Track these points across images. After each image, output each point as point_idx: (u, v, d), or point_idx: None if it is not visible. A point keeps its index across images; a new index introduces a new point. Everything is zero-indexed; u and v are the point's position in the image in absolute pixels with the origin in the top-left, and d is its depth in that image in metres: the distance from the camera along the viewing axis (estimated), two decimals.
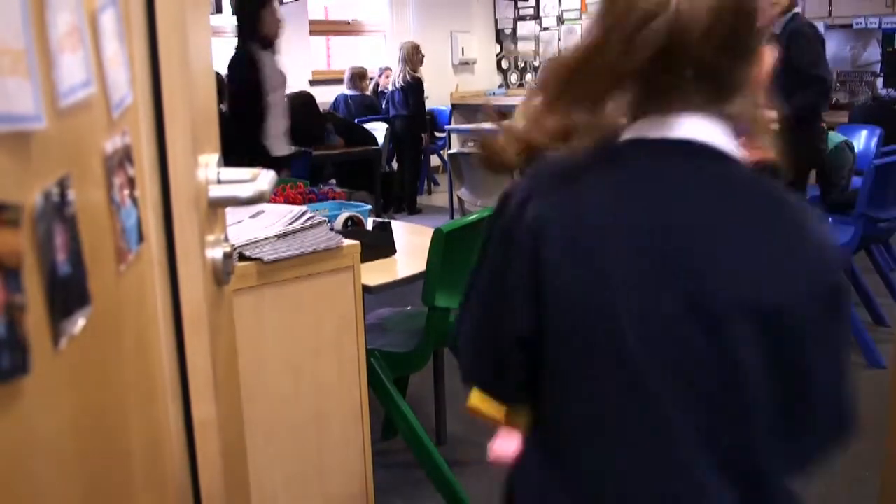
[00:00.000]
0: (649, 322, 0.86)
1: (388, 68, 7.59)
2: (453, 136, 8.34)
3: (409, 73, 7.02)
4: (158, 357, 0.91)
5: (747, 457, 0.89)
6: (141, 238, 0.84)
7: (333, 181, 5.90)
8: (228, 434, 1.09)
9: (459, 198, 5.08)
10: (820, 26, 6.10)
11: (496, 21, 9.70)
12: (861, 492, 2.56)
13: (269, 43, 4.21)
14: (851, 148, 4.46)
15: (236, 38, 4.29)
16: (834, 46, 4.00)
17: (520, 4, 9.45)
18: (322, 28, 8.23)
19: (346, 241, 2.06)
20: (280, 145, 4.36)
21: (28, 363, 0.54)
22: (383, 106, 7.31)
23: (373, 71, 7.68)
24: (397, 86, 7.03)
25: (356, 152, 5.88)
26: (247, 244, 1.88)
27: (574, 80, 0.89)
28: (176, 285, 0.92)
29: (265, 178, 1.06)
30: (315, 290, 1.99)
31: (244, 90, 4.19)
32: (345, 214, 2.49)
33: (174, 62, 0.89)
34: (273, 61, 4.26)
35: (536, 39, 9.40)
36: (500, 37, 9.72)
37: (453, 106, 9.03)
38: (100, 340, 0.71)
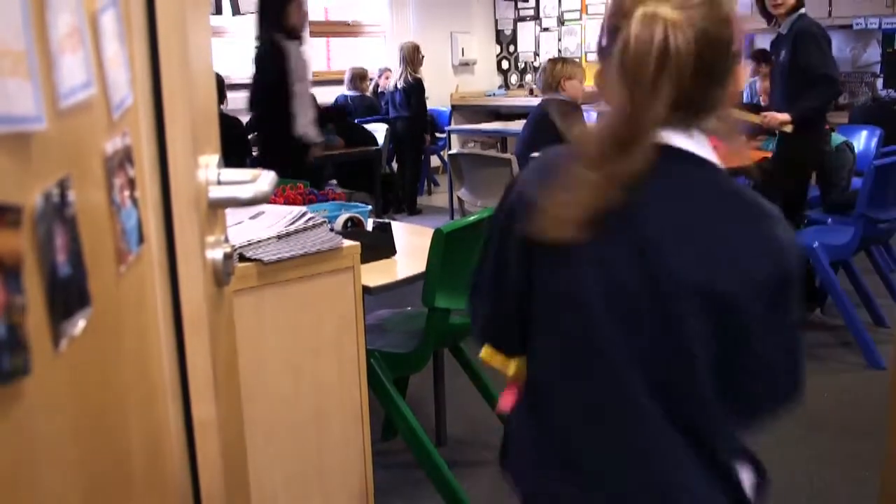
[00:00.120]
0: (611, 294, 1.04)
1: (387, 69, 7.59)
2: (453, 137, 8.34)
3: (410, 74, 7.01)
4: (158, 358, 0.91)
5: (693, 410, 1.06)
6: (141, 239, 0.84)
7: (334, 182, 5.90)
8: (228, 434, 1.09)
9: (459, 198, 5.08)
10: None
11: (496, 22, 9.70)
12: (861, 492, 2.56)
13: (295, 34, 4.23)
14: (852, 149, 4.46)
15: (259, 30, 4.30)
16: (834, 47, 4.01)
17: (520, 5, 9.45)
18: (322, 29, 8.23)
19: (346, 242, 2.06)
20: (313, 131, 4.43)
21: (28, 364, 0.54)
22: (382, 106, 7.31)
23: (372, 72, 7.68)
24: (398, 87, 7.02)
25: (356, 153, 5.88)
26: (247, 245, 1.88)
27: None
28: (176, 286, 0.92)
29: (265, 179, 1.06)
30: (315, 290, 1.99)
31: (273, 80, 4.22)
32: (345, 215, 2.49)
33: (174, 63, 0.89)
34: (299, 51, 4.27)
35: (536, 40, 9.41)
36: (500, 37, 9.73)
37: (453, 107, 9.04)
38: (100, 341, 0.71)
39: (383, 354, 2.47)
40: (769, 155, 4.15)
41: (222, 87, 5.09)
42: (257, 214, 2.05)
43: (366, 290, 2.19)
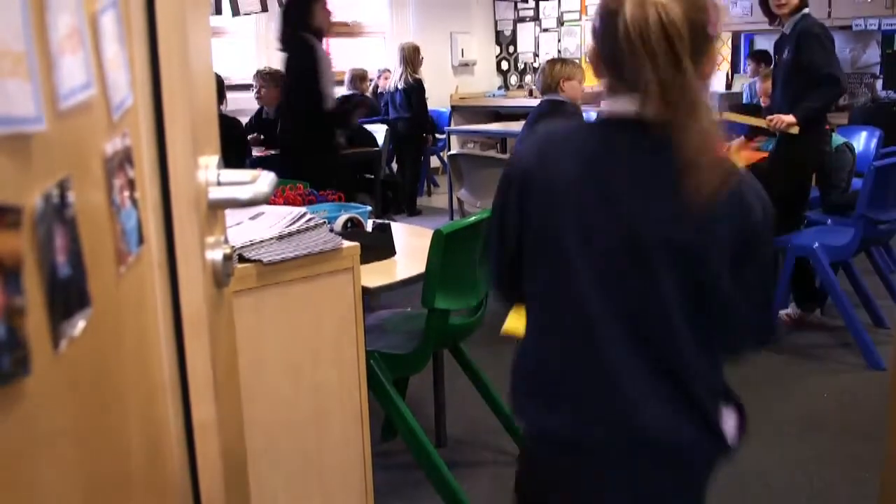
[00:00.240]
0: (586, 237, 1.21)
1: (386, 70, 7.59)
2: (453, 138, 8.34)
3: (410, 75, 7.01)
4: (158, 358, 0.91)
5: (669, 352, 1.20)
6: (141, 240, 0.84)
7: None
8: (228, 435, 1.09)
9: (459, 199, 5.08)
10: None
11: (496, 23, 9.70)
12: (861, 492, 2.56)
13: (320, 34, 4.34)
14: (852, 150, 4.46)
15: (283, 32, 4.38)
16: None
17: (519, 6, 9.45)
18: None
19: (346, 243, 2.06)
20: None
21: (28, 365, 0.54)
22: (382, 107, 7.30)
23: (372, 73, 7.68)
24: (399, 87, 7.02)
25: (357, 153, 5.88)
26: (246, 246, 1.88)
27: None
28: (176, 287, 0.92)
29: (264, 180, 1.06)
30: (315, 291, 1.99)
31: (308, 76, 4.30)
32: (344, 216, 2.49)
33: (174, 64, 0.89)
34: (322, 50, 4.38)
35: (536, 41, 9.41)
36: (499, 38, 9.73)
37: (453, 107, 9.04)
38: (100, 342, 0.71)
39: (383, 355, 2.47)
40: (767, 155, 4.16)
41: (222, 87, 5.09)
42: (257, 215, 2.05)
43: (365, 290, 2.19)
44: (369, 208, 2.70)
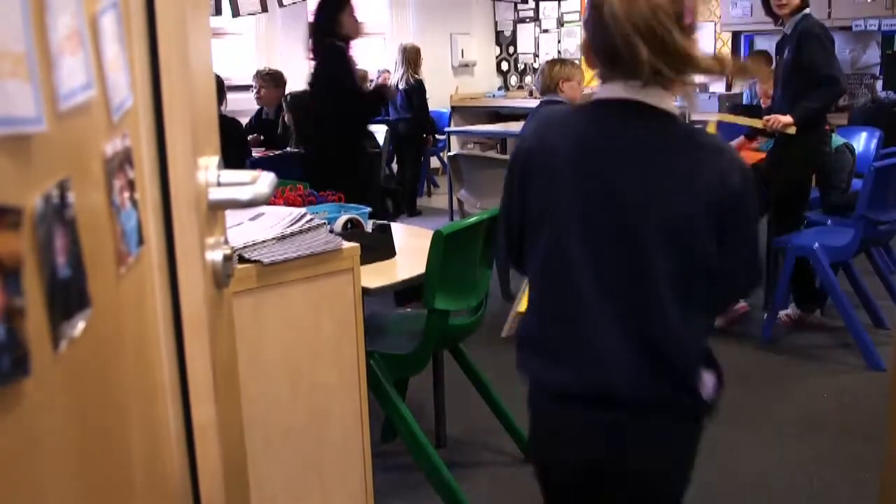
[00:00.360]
0: (580, 212, 1.32)
1: (385, 70, 7.58)
2: (453, 138, 8.34)
3: (411, 76, 7.00)
4: (158, 359, 0.91)
5: (652, 318, 1.30)
6: (141, 240, 0.84)
7: None
8: (228, 436, 1.09)
9: (459, 200, 5.08)
10: None
11: (496, 23, 9.70)
12: (861, 493, 2.56)
13: (348, 41, 4.47)
14: (852, 150, 4.46)
15: (314, 42, 4.51)
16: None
17: (519, 7, 9.45)
18: None
19: (346, 244, 2.06)
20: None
21: (28, 366, 0.54)
22: (382, 108, 7.29)
23: (372, 73, 7.68)
24: (400, 87, 7.01)
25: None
26: (246, 246, 1.88)
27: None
28: (176, 288, 0.92)
29: (265, 181, 1.06)
30: (315, 292, 1.99)
31: (341, 81, 4.43)
32: (344, 217, 2.49)
33: (174, 64, 0.89)
34: (351, 57, 4.55)
35: (536, 42, 9.41)
36: (499, 39, 9.73)
37: (453, 108, 9.04)
38: (100, 343, 0.71)
39: (383, 356, 2.47)
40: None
41: (222, 88, 5.08)
42: (257, 216, 2.05)
43: (365, 291, 2.19)
44: (369, 209, 2.70)
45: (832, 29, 4.29)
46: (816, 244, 3.71)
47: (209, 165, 1.02)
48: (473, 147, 8.43)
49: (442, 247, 2.32)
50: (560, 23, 9.17)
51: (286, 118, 5.48)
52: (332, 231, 2.21)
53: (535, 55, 9.39)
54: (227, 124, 4.50)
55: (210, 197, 1.02)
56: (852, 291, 4.05)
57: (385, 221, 2.83)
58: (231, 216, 1.84)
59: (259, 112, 5.79)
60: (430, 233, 2.43)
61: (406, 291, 2.82)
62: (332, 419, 2.07)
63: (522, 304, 1.56)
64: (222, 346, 1.09)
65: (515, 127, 6.42)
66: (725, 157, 1.32)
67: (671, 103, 1.32)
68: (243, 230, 1.97)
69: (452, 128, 8.30)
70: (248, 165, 4.58)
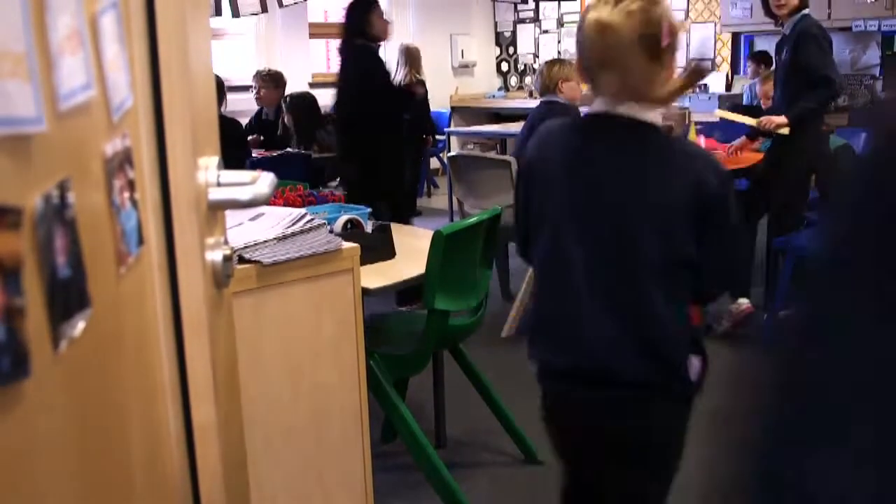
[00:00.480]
0: (572, 212, 1.50)
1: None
2: (453, 139, 8.33)
3: (413, 76, 6.99)
4: (158, 360, 0.91)
5: (638, 304, 1.45)
6: (141, 241, 0.84)
7: (334, 184, 5.88)
8: (228, 437, 1.09)
9: (459, 200, 5.08)
10: None
11: (496, 24, 9.70)
12: None
13: (377, 41, 4.60)
14: (852, 151, 4.45)
15: (345, 43, 4.64)
16: (833, 49, 4.02)
17: (519, 7, 9.45)
18: (322, 31, 8.23)
19: (346, 244, 2.06)
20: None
21: (28, 366, 0.54)
22: None
23: None
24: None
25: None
26: (246, 247, 1.88)
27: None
28: (176, 288, 0.92)
29: (264, 181, 1.06)
30: (314, 292, 1.99)
31: (372, 79, 4.56)
32: (344, 217, 2.49)
33: (174, 65, 0.89)
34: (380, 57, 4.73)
35: (536, 42, 9.41)
36: (499, 39, 9.73)
37: (453, 108, 9.03)
38: (100, 343, 0.71)
39: (383, 356, 2.47)
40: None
41: (222, 88, 5.08)
42: (257, 216, 2.05)
43: (365, 291, 2.19)
44: (369, 209, 2.70)
45: (832, 29, 4.29)
46: None
47: (209, 166, 1.02)
48: (473, 148, 8.42)
49: (442, 247, 2.32)
50: (560, 23, 9.17)
51: (286, 119, 5.48)
52: (332, 231, 2.21)
53: (535, 56, 9.39)
54: (227, 125, 4.50)
55: (210, 197, 1.02)
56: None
57: (384, 222, 2.83)
58: (231, 216, 1.84)
59: (259, 113, 5.79)
60: (430, 233, 2.43)
61: (407, 291, 2.83)
62: (332, 419, 2.07)
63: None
64: (222, 347, 1.09)
65: (515, 128, 6.41)
66: (700, 161, 1.49)
67: (650, 114, 1.48)
68: (243, 230, 1.97)
69: (452, 128, 8.30)
70: (249, 166, 4.59)
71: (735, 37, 7.70)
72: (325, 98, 6.94)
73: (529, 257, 1.68)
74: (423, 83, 5.34)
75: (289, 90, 5.73)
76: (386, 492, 2.57)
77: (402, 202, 5.05)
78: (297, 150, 5.22)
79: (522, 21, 9.50)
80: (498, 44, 9.75)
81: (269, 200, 1.11)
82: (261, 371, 1.91)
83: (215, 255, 1.01)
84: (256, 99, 5.71)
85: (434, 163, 8.39)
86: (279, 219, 2.01)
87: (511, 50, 9.66)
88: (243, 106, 5.93)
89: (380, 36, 4.57)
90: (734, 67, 7.85)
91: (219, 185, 1.04)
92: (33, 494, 0.58)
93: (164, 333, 0.92)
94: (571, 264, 1.50)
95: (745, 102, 6.59)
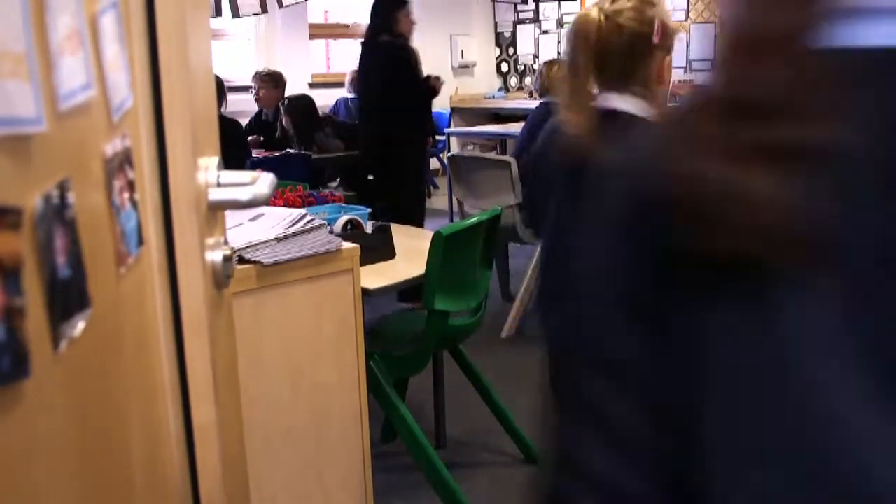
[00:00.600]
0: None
1: None
2: (452, 139, 8.33)
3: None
4: (158, 360, 0.91)
5: None
6: (141, 241, 0.84)
7: (334, 184, 5.88)
8: (228, 437, 1.09)
9: (459, 201, 5.08)
10: None
11: (496, 24, 9.70)
12: None
13: (404, 40, 4.71)
14: None
15: (370, 35, 4.74)
16: None
17: (519, 8, 9.45)
18: (322, 31, 8.23)
19: (346, 244, 2.06)
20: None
21: (28, 366, 0.54)
22: None
23: None
24: None
25: (357, 155, 5.86)
26: (246, 247, 1.88)
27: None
28: (176, 288, 0.92)
29: (264, 182, 1.06)
30: (314, 292, 1.99)
31: (402, 75, 4.69)
32: (344, 217, 2.49)
33: (174, 65, 0.89)
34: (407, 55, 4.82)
35: (536, 43, 9.41)
36: (499, 40, 9.73)
37: (452, 109, 9.03)
38: (100, 343, 0.71)
39: (383, 356, 2.47)
40: None
41: (222, 89, 5.09)
42: (257, 216, 2.05)
43: (365, 292, 2.19)
44: (369, 210, 2.70)
45: None
46: None
47: (209, 166, 1.02)
48: (473, 148, 8.42)
49: (442, 247, 2.32)
50: (560, 24, 9.17)
51: (284, 121, 5.48)
52: (331, 232, 2.21)
53: (535, 56, 9.39)
54: (227, 125, 4.51)
55: (210, 197, 1.02)
56: None
57: (384, 222, 2.83)
58: (231, 217, 1.84)
59: (259, 113, 5.79)
60: (430, 233, 2.43)
61: (409, 289, 2.84)
62: (332, 419, 2.07)
63: None
64: (222, 347, 1.09)
65: (515, 128, 6.41)
66: None
67: (637, 104, 1.55)
68: (243, 231, 1.97)
69: (452, 129, 8.30)
70: (249, 166, 4.59)
71: None
72: (325, 99, 6.96)
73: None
74: (439, 78, 5.35)
75: (288, 91, 5.73)
76: (386, 492, 2.57)
77: (418, 200, 5.11)
78: (297, 150, 5.22)
79: (522, 21, 9.50)
80: (498, 44, 9.75)
81: (269, 201, 1.11)
82: (261, 371, 1.91)
83: (215, 256, 1.01)
84: (256, 100, 5.71)
85: (434, 163, 8.38)
86: (279, 219, 2.01)
87: (511, 50, 9.66)
88: (243, 106, 5.94)
89: (405, 34, 4.66)
90: None
91: (219, 185, 1.04)
92: (33, 494, 0.58)
93: (164, 334, 0.92)
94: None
95: None
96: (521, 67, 9.61)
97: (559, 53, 9.00)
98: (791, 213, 0.46)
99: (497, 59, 9.78)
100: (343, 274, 2.04)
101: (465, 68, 9.38)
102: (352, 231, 2.46)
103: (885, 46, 0.44)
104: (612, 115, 1.55)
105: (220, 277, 1.02)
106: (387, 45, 4.63)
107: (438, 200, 7.79)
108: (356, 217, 2.52)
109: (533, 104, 5.55)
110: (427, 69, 7.39)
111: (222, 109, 4.90)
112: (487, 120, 8.49)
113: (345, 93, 7.27)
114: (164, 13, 0.88)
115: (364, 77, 4.88)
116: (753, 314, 0.50)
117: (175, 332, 0.93)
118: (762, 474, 0.49)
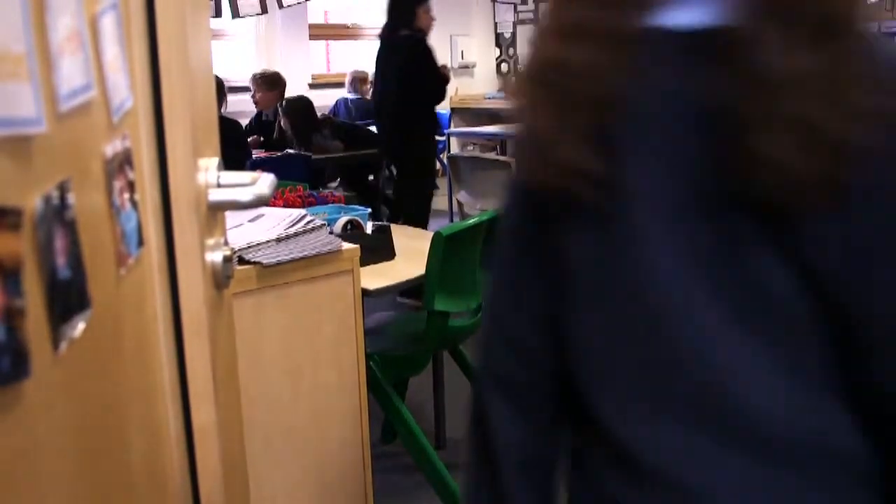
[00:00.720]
0: None
1: None
2: (452, 140, 8.33)
3: None
4: (158, 361, 0.91)
5: None
6: (141, 242, 0.84)
7: (334, 184, 5.89)
8: (228, 438, 1.09)
9: (459, 201, 5.08)
10: None
11: (496, 25, 9.70)
12: None
13: (422, 35, 4.75)
14: None
15: (389, 31, 4.82)
16: None
17: (519, 8, 9.45)
18: (322, 32, 8.23)
19: (346, 245, 2.06)
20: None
21: (28, 367, 0.54)
22: None
23: (372, 75, 7.66)
24: None
25: (357, 156, 5.87)
26: (246, 248, 1.88)
27: None
28: (176, 289, 0.92)
29: (264, 182, 1.06)
30: (314, 293, 1.99)
31: (421, 69, 4.72)
32: (344, 218, 2.49)
33: (174, 65, 0.89)
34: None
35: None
36: (499, 40, 9.73)
37: (452, 109, 9.03)
38: (100, 344, 0.71)
39: (383, 357, 2.47)
40: None
41: (222, 89, 5.09)
42: (256, 217, 2.05)
43: (365, 292, 2.19)
44: (369, 210, 2.70)
45: None
46: None
47: (209, 167, 1.02)
48: (473, 148, 8.43)
49: (442, 248, 2.32)
50: None
51: (282, 123, 5.48)
52: (331, 232, 2.21)
53: None
54: (227, 126, 4.51)
55: (210, 198, 1.02)
56: None
57: (384, 223, 2.83)
58: (231, 217, 1.84)
59: (259, 114, 5.79)
60: (430, 234, 2.43)
61: (410, 287, 2.86)
62: (332, 420, 2.07)
63: None
64: (222, 348, 1.09)
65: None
66: None
67: None
68: (243, 231, 1.97)
69: (452, 129, 8.30)
70: (249, 167, 4.59)
71: None
72: (325, 99, 6.97)
73: None
74: (445, 66, 5.37)
75: (288, 91, 5.73)
76: (386, 492, 2.57)
77: (427, 198, 5.13)
78: (297, 150, 5.23)
79: (522, 22, 9.50)
80: (498, 45, 9.75)
81: (269, 201, 1.11)
82: (261, 372, 1.91)
83: (215, 256, 1.01)
84: (254, 103, 5.72)
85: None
86: (279, 220, 2.01)
87: (511, 51, 9.66)
88: (243, 107, 5.93)
89: (424, 29, 4.70)
90: None
91: (219, 186, 1.04)
92: (33, 495, 0.58)
93: (164, 334, 0.92)
94: None
95: None
96: (521, 68, 9.60)
97: None
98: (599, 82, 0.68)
99: (497, 59, 9.78)
100: (343, 274, 2.04)
101: (465, 69, 9.38)
102: (352, 231, 2.46)
103: (686, 25, 0.68)
104: None
105: (221, 278, 1.02)
106: (407, 40, 4.67)
107: (438, 201, 7.76)
108: (356, 217, 2.52)
109: None
110: None
111: (222, 110, 4.90)
112: (487, 120, 8.49)
113: (345, 93, 7.27)
114: (164, 14, 0.88)
115: (381, 74, 4.92)
116: (595, 230, 0.70)
117: (175, 332, 0.93)
118: (608, 343, 0.72)
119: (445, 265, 2.34)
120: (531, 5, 9.36)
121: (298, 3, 5.73)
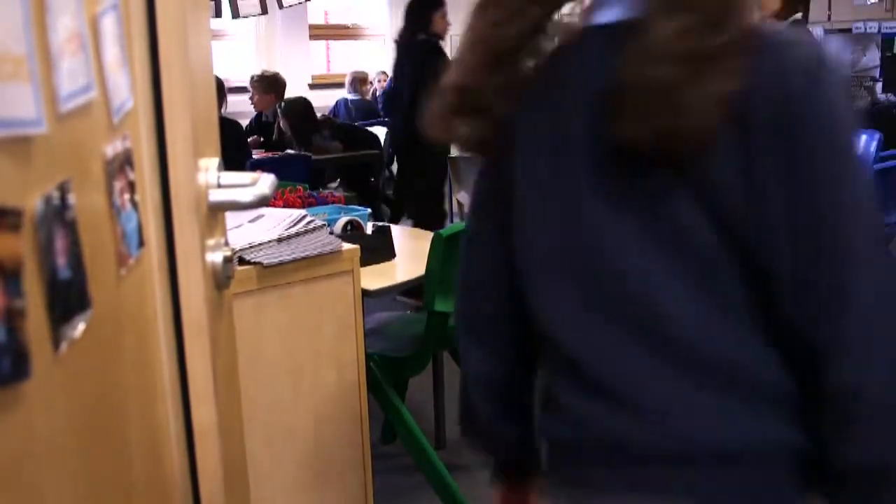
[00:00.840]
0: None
1: (383, 72, 7.57)
2: None
3: None
4: (159, 361, 0.91)
5: None
6: (141, 242, 0.84)
7: (334, 185, 5.89)
8: (229, 438, 1.09)
9: (459, 202, 5.08)
10: (819, 31, 6.10)
11: None
12: None
13: (438, 39, 4.82)
14: None
15: (407, 35, 4.83)
16: (833, 51, 4.03)
17: None
18: (322, 32, 8.24)
19: (346, 245, 2.06)
20: None
21: (28, 368, 0.54)
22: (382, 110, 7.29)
23: (372, 75, 7.67)
24: None
25: (357, 156, 5.87)
26: (247, 248, 1.88)
27: None
28: (176, 289, 0.92)
29: (265, 182, 1.06)
30: (314, 294, 1.99)
31: (442, 73, 4.72)
32: (344, 218, 2.49)
33: (174, 66, 0.89)
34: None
35: None
36: None
37: None
38: (100, 345, 0.71)
39: (383, 358, 2.47)
40: None
41: (222, 90, 5.09)
42: (257, 217, 2.05)
43: (365, 293, 2.19)
44: (369, 211, 2.70)
45: (832, 31, 4.29)
46: None
47: (209, 167, 1.02)
48: None
49: (442, 249, 2.32)
50: None
51: (281, 124, 5.49)
52: (331, 233, 2.21)
53: None
54: (227, 126, 4.51)
55: (210, 198, 1.02)
56: None
57: (384, 223, 2.83)
58: (231, 218, 1.84)
59: (259, 114, 5.80)
60: (430, 234, 2.43)
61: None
62: (332, 420, 2.07)
63: None
64: (223, 348, 1.09)
65: None
66: None
67: None
68: (243, 232, 1.97)
69: None
70: (249, 167, 4.59)
71: None
72: (325, 100, 6.97)
73: None
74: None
75: (288, 92, 5.73)
76: (386, 493, 2.57)
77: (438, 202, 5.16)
78: (297, 151, 5.23)
79: None
80: None
81: (270, 202, 1.11)
82: (261, 372, 1.91)
83: (216, 257, 1.01)
84: (252, 104, 5.72)
85: None
86: (279, 220, 2.01)
87: None
88: (243, 107, 5.94)
89: (440, 34, 4.76)
90: None
91: (219, 186, 1.04)
92: (33, 496, 0.58)
93: (164, 335, 0.92)
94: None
95: None
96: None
97: None
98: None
99: None
100: (343, 275, 2.04)
101: None
102: (352, 232, 2.46)
103: (606, 22, 0.84)
104: None
105: (221, 278, 1.02)
106: (424, 44, 4.74)
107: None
108: (356, 218, 2.52)
109: None
110: None
111: (222, 110, 4.90)
112: None
113: (345, 94, 7.27)
114: (164, 14, 0.88)
115: (395, 76, 4.98)
116: (512, 163, 0.91)
117: (175, 333, 0.93)
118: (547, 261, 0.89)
119: (445, 265, 2.34)
120: None
121: (298, 3, 5.73)
